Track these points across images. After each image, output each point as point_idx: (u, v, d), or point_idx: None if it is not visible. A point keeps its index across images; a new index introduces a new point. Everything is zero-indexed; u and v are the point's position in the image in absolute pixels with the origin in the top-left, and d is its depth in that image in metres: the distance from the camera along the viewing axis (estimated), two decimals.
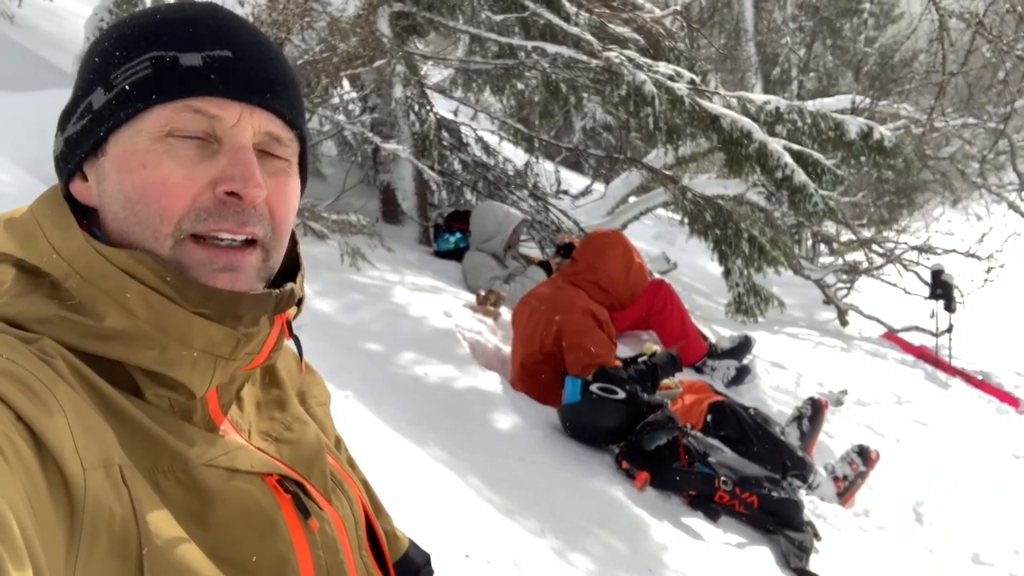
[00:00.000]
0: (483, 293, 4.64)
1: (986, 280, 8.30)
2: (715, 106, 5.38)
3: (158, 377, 0.76)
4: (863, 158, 5.86)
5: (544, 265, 5.26)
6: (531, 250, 6.20)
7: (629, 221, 7.56)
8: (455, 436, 3.06)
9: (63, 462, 0.63)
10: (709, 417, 3.95)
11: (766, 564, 3.18)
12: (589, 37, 5.41)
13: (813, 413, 4.34)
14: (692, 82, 5.50)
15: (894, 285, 8.80)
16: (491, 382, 3.64)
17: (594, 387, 3.53)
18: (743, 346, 5.31)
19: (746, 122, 5.29)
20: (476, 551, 2.23)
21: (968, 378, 6.89)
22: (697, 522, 3.25)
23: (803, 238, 10.64)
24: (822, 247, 11.15)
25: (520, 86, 7.33)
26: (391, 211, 5.97)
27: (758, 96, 6.07)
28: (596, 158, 9.83)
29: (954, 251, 8.60)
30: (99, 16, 5.67)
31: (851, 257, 9.60)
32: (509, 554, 2.37)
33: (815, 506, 3.74)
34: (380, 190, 6.06)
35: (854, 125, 5.74)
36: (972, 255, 8.59)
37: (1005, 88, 8.33)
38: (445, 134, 6.44)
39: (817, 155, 5.61)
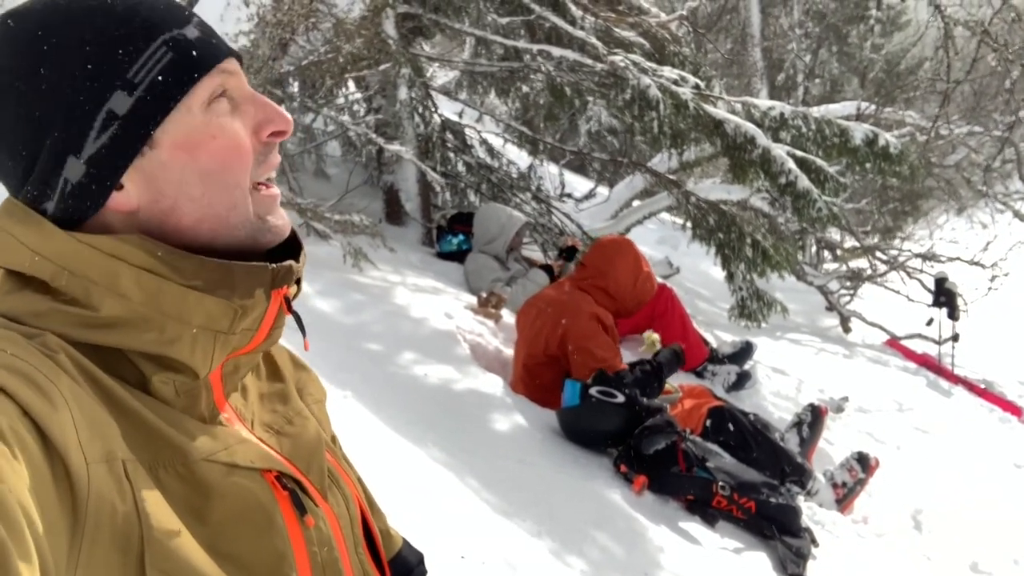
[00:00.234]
0: (484, 295, 4.64)
1: (990, 289, 8.28)
2: (719, 111, 5.38)
3: (161, 360, 0.76)
4: (868, 164, 5.86)
5: (546, 268, 5.26)
6: (533, 253, 6.20)
7: (632, 225, 7.57)
8: (454, 437, 3.06)
9: (67, 456, 0.63)
10: (708, 422, 3.95)
11: (763, 570, 3.17)
12: (594, 41, 5.42)
13: (813, 419, 4.34)
14: (697, 87, 5.50)
15: (897, 292, 8.79)
16: (491, 384, 3.65)
17: (593, 390, 3.53)
18: (744, 351, 5.31)
19: (750, 127, 5.29)
20: (472, 552, 2.24)
21: (970, 386, 6.88)
22: (694, 527, 3.25)
23: (807, 244, 10.64)
24: (826, 253, 11.14)
25: (525, 89, 7.34)
26: (394, 212, 5.98)
27: (763, 102, 6.06)
28: (600, 161, 9.83)
29: (958, 259, 8.59)
30: None
31: (855, 264, 9.59)
32: (505, 556, 2.37)
33: (813, 512, 3.73)
34: (384, 191, 6.07)
35: (859, 131, 5.73)
36: (976, 263, 8.58)
37: (1011, 96, 8.33)
38: (449, 136, 6.45)
39: (821, 162, 5.61)
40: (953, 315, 7.29)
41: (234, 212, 0.80)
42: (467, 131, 6.80)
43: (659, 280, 5.41)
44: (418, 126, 5.79)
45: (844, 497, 3.96)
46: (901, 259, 8.99)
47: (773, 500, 3.40)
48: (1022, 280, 8.94)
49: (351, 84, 6.10)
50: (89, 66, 0.74)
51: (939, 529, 4.05)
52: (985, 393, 6.77)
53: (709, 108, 5.33)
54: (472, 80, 8.34)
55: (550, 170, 8.29)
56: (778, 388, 5.44)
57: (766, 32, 12.85)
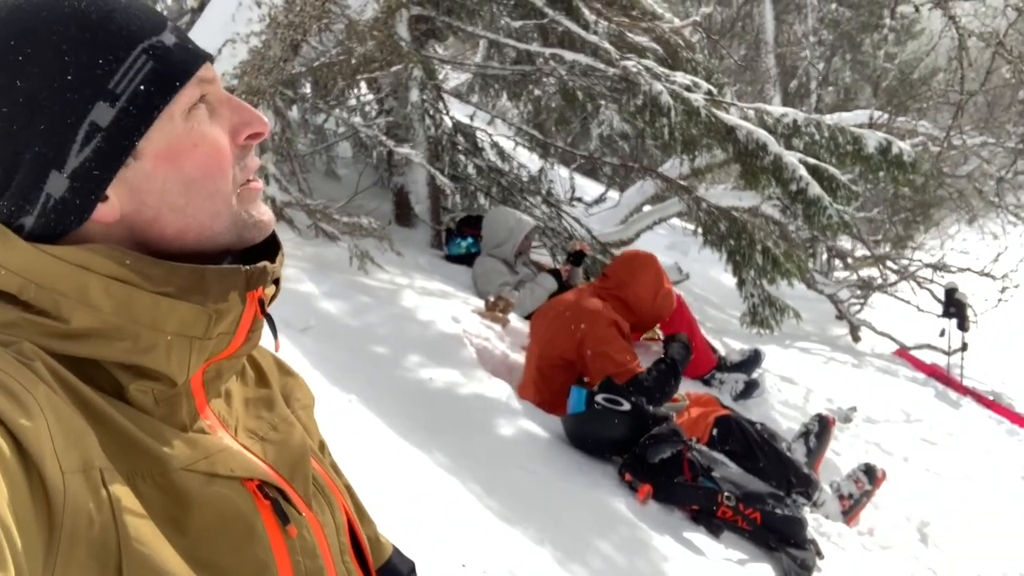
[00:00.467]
0: (492, 299, 4.63)
1: (1000, 300, 8.25)
2: (732, 117, 5.36)
3: (137, 369, 0.75)
4: (881, 173, 5.83)
5: (554, 273, 5.25)
6: (542, 257, 6.19)
7: (643, 230, 7.54)
8: (458, 442, 3.05)
9: (42, 466, 0.62)
10: (715, 431, 3.93)
11: None
12: (607, 46, 5.41)
13: (820, 430, 4.31)
14: (709, 93, 5.49)
15: (907, 302, 8.76)
16: (497, 389, 3.64)
17: (599, 398, 3.52)
18: (752, 360, 5.29)
19: (762, 134, 5.27)
20: (473, 560, 2.23)
21: (979, 398, 6.85)
22: (699, 537, 3.23)
23: (817, 252, 10.61)
24: (836, 262, 11.11)
25: (537, 92, 7.33)
26: (404, 214, 5.98)
27: (776, 108, 6.04)
28: (611, 166, 9.81)
29: (969, 270, 8.56)
30: None
31: (865, 273, 9.56)
32: (507, 563, 2.36)
33: (819, 524, 3.71)
34: (394, 192, 6.07)
35: (873, 139, 5.71)
36: (987, 274, 8.54)
37: None
38: (460, 138, 6.44)
39: (833, 169, 5.58)
40: (963, 326, 7.26)
41: (217, 220, 0.80)
42: (478, 134, 6.79)
43: None
44: (429, 128, 5.79)
45: (850, 509, 3.93)
46: (912, 269, 8.97)
47: (779, 511, 3.38)
48: None
49: (363, 86, 6.10)
50: (69, 77, 0.72)
51: (945, 542, 4.02)
52: (994, 405, 6.74)
53: (721, 114, 5.31)
54: (484, 83, 8.33)
55: (560, 174, 8.28)
56: (786, 397, 5.42)
57: (780, 39, 12.83)
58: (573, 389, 3.62)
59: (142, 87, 0.74)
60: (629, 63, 5.24)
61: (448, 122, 6.18)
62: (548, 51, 5.67)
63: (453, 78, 8.95)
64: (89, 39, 0.73)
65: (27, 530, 0.60)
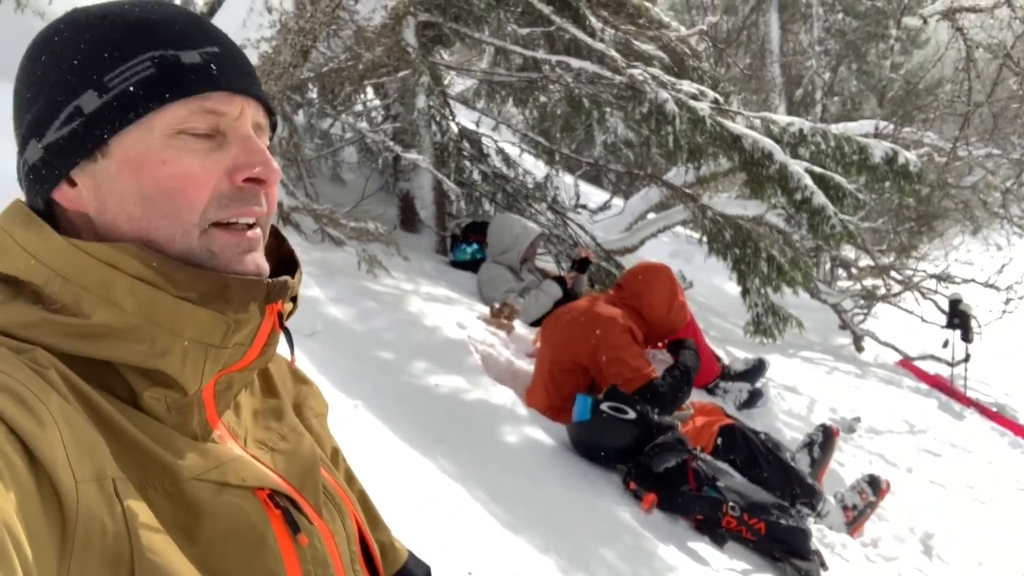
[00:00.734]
0: (497, 305, 4.63)
1: (1004, 311, 8.24)
2: (737, 126, 5.37)
3: (151, 375, 0.76)
4: (887, 183, 5.84)
5: (559, 280, 5.25)
6: (547, 264, 6.19)
7: (647, 238, 7.55)
8: (463, 449, 3.05)
9: (55, 475, 0.62)
10: (719, 440, 3.93)
11: None
12: (614, 53, 5.42)
13: (824, 440, 4.31)
14: (715, 101, 5.50)
15: (911, 313, 8.75)
16: (502, 396, 3.64)
17: (604, 405, 3.52)
18: (756, 369, 5.28)
19: (767, 143, 5.28)
20: (479, 567, 2.23)
21: (983, 409, 6.84)
22: (703, 547, 3.23)
23: (821, 262, 10.60)
24: (840, 272, 11.11)
25: (543, 99, 7.35)
26: (409, 219, 5.98)
27: (782, 117, 6.05)
28: (616, 173, 9.83)
29: (973, 281, 8.56)
30: None
31: (869, 283, 9.56)
32: (512, 571, 2.36)
33: (823, 535, 3.71)
34: (399, 198, 6.07)
35: (879, 149, 5.72)
36: (991, 285, 8.54)
37: None
38: (466, 144, 6.46)
39: (839, 178, 5.59)
40: (967, 337, 7.27)
41: (173, 244, 0.77)
42: (484, 140, 6.80)
43: None
44: (435, 134, 5.80)
45: (854, 520, 3.92)
46: (916, 279, 8.97)
47: (783, 522, 3.37)
48: None
49: (369, 91, 6.11)
50: (75, 62, 0.77)
51: (949, 554, 4.01)
52: (997, 416, 6.74)
53: (727, 123, 5.32)
54: (490, 89, 8.35)
55: (565, 180, 8.29)
56: (790, 407, 5.41)
57: (785, 48, 12.85)
58: (578, 397, 3.62)
59: (131, 88, 0.75)
60: (635, 71, 5.25)
61: (454, 128, 6.19)
62: (555, 58, 5.69)
63: (459, 84, 8.96)
64: (109, 36, 0.78)
65: (39, 539, 0.60)
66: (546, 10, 5.57)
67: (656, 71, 5.40)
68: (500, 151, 6.90)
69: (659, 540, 3.08)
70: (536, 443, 3.43)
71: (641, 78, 5.19)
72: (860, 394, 6.47)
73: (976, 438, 6.12)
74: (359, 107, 6.21)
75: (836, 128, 6.43)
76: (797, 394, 5.78)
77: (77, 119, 0.77)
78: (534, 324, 4.85)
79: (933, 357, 7.66)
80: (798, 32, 13.28)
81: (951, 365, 7.34)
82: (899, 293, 9.03)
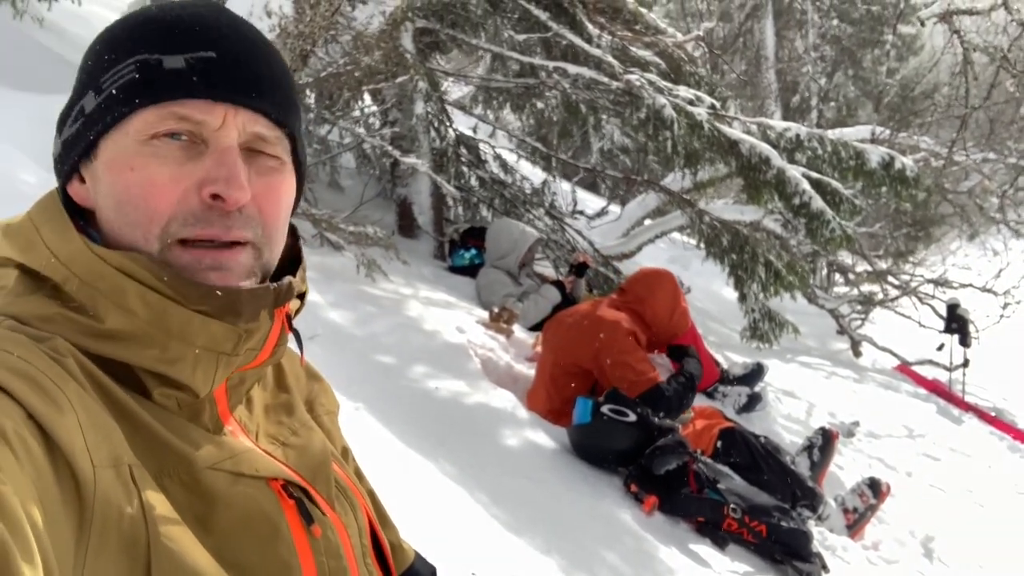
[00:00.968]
0: (496, 310, 4.64)
1: (1002, 316, 8.25)
2: (734, 131, 5.38)
3: (162, 377, 0.76)
4: (884, 188, 5.85)
5: (558, 284, 5.26)
6: (545, 269, 6.20)
7: (644, 243, 7.55)
8: (464, 452, 3.05)
9: (73, 460, 0.63)
10: (719, 443, 3.93)
11: None
12: (611, 59, 5.43)
13: (824, 443, 4.31)
14: (712, 107, 5.51)
15: (909, 318, 8.76)
16: (502, 399, 3.63)
17: (605, 408, 3.52)
18: (755, 373, 5.29)
19: (765, 148, 5.29)
20: (482, 568, 2.22)
21: (981, 414, 6.84)
22: (704, 549, 3.23)
23: (818, 267, 10.62)
24: (837, 277, 11.12)
25: (540, 105, 7.36)
26: (407, 225, 5.98)
27: (779, 123, 6.07)
28: (613, 179, 9.84)
29: (970, 285, 8.58)
30: None
31: (866, 288, 9.57)
32: (514, 572, 2.35)
33: (824, 538, 3.70)
34: (397, 204, 6.08)
35: (875, 154, 5.73)
36: (988, 290, 8.56)
37: None
38: (464, 150, 6.46)
39: (836, 184, 5.60)
40: (965, 342, 7.27)
41: (146, 246, 0.76)
42: (481, 146, 6.81)
43: None
44: (433, 140, 5.81)
45: (855, 523, 3.92)
46: (913, 284, 8.98)
47: (784, 524, 3.37)
48: None
49: (367, 97, 6.11)
50: (90, 62, 0.80)
51: (950, 557, 4.01)
52: (996, 421, 6.74)
53: (724, 128, 5.33)
54: (487, 95, 8.36)
55: (563, 187, 8.30)
56: (789, 411, 5.42)
57: (780, 55, 12.89)
58: (579, 400, 3.62)
59: (114, 91, 0.76)
60: (632, 77, 5.26)
61: (452, 134, 6.20)
62: (552, 64, 5.70)
63: (456, 90, 8.98)
64: (116, 37, 0.79)
65: (56, 524, 0.60)
66: (543, 16, 5.59)
67: (653, 77, 5.41)
68: (497, 157, 6.90)
69: (660, 542, 3.08)
70: (537, 446, 3.43)
71: (638, 84, 5.20)
72: (859, 399, 6.47)
73: (975, 442, 6.12)
74: (357, 113, 6.21)
75: (832, 133, 6.45)
76: (796, 399, 5.78)
77: (80, 119, 0.78)
78: (533, 328, 4.85)
79: (931, 362, 7.67)
80: (793, 38, 13.32)
81: (949, 370, 7.35)
82: (897, 298, 9.05)
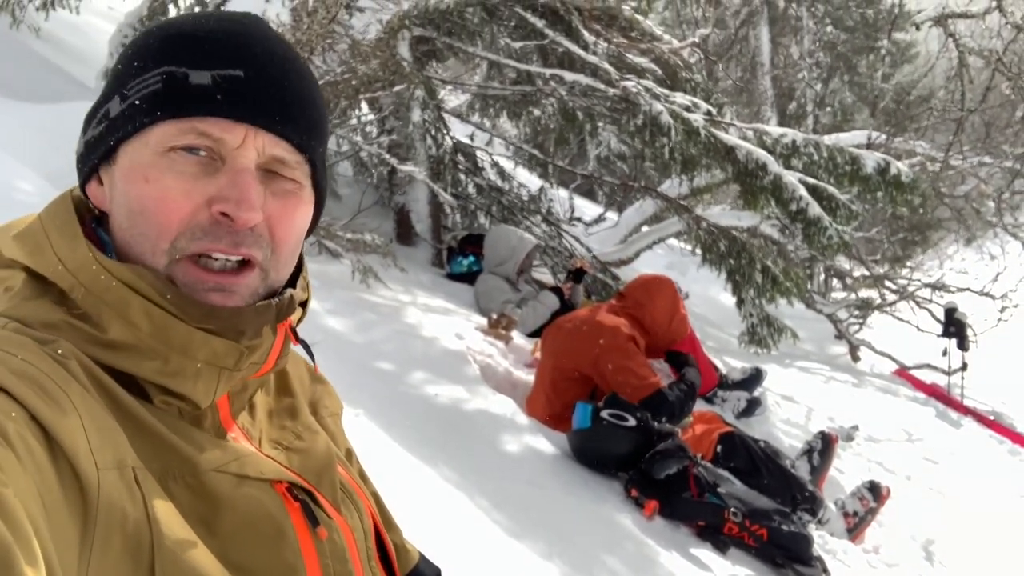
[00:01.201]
0: (495, 316, 4.64)
1: (999, 319, 8.26)
2: (731, 137, 5.40)
3: (163, 387, 0.76)
4: (880, 193, 5.87)
5: (556, 290, 5.26)
6: (543, 275, 6.20)
7: (642, 250, 7.57)
8: (464, 458, 3.05)
9: (77, 462, 0.63)
10: (719, 448, 3.93)
11: None
12: (607, 66, 5.45)
13: (823, 447, 4.31)
14: (708, 113, 5.52)
15: (907, 322, 8.77)
16: (501, 405, 3.63)
17: (604, 413, 3.51)
18: (754, 378, 5.29)
19: (761, 154, 5.30)
20: (483, 573, 2.22)
21: (980, 417, 6.84)
22: (705, 553, 3.22)
23: (815, 272, 10.63)
24: (835, 282, 11.13)
25: (536, 113, 7.37)
26: (405, 233, 5.99)
27: (774, 129, 6.08)
28: (610, 186, 9.87)
29: (968, 289, 8.59)
30: (123, 33, 5.75)
31: (864, 293, 9.58)
32: None
33: (824, 541, 3.70)
34: (395, 211, 6.09)
35: (871, 160, 5.75)
36: (986, 294, 8.57)
37: (1022, 127, 8.33)
38: (461, 158, 6.47)
39: (832, 189, 5.62)
40: (963, 346, 7.27)
41: (153, 259, 0.76)
42: (478, 153, 6.82)
43: None
44: (430, 148, 5.82)
45: (855, 526, 3.92)
46: (911, 289, 8.99)
47: (785, 528, 3.37)
48: None
49: (364, 105, 6.12)
50: (120, 66, 0.80)
51: (950, 560, 4.01)
52: (995, 424, 6.74)
53: (721, 134, 5.35)
54: (484, 103, 8.38)
55: (560, 194, 8.32)
56: (788, 416, 5.41)
57: (776, 61, 12.93)
58: (578, 405, 3.62)
59: (137, 101, 0.76)
60: (629, 83, 5.28)
61: (449, 142, 6.21)
62: (548, 71, 5.72)
63: (453, 98, 8.99)
64: (146, 45, 0.79)
65: (59, 526, 0.60)
66: (539, 24, 5.60)
67: (649, 83, 5.43)
68: (495, 164, 6.92)
69: (661, 547, 3.07)
70: (537, 451, 3.43)
71: (635, 90, 5.21)
72: (857, 403, 6.47)
73: (974, 446, 6.12)
74: (354, 121, 6.22)
75: (828, 139, 6.47)
76: (794, 403, 5.78)
77: (104, 122, 0.79)
78: (532, 335, 4.85)
79: (929, 366, 7.67)
80: (789, 45, 13.36)
81: (948, 374, 7.35)
82: (894, 303, 9.05)
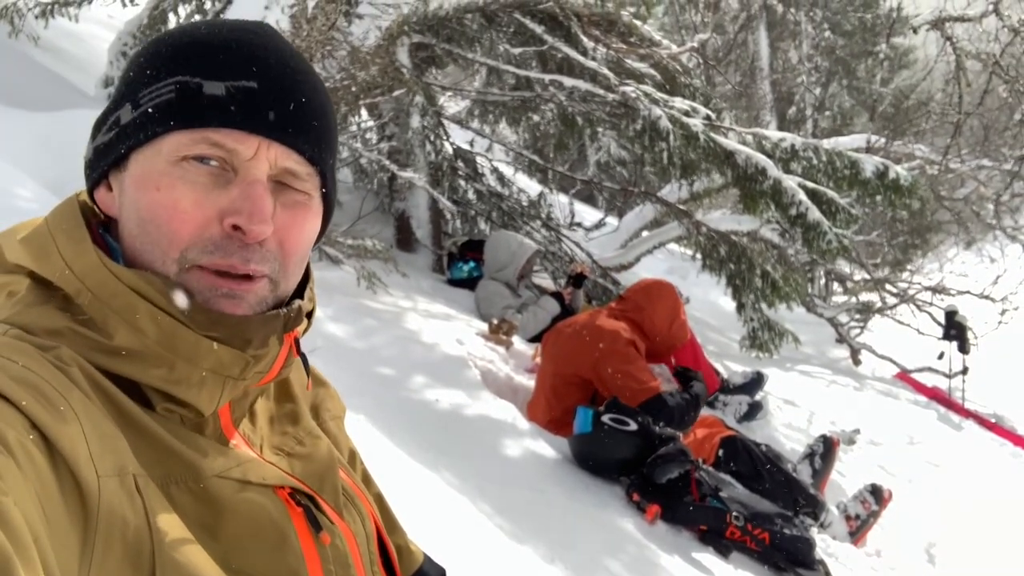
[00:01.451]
0: (496, 322, 4.64)
1: (1000, 322, 8.26)
2: (730, 142, 5.40)
3: (167, 394, 0.76)
4: (879, 197, 5.86)
5: (557, 295, 5.26)
6: (544, 280, 6.20)
7: (642, 255, 7.57)
8: (466, 463, 3.04)
9: (77, 469, 0.63)
10: (721, 452, 3.93)
11: None
12: (606, 71, 5.46)
13: (825, 451, 4.31)
14: (708, 118, 5.53)
15: (907, 325, 8.77)
16: (503, 410, 3.63)
17: (606, 417, 3.51)
18: (755, 382, 5.29)
19: (761, 158, 5.30)
20: None
21: (981, 420, 6.84)
22: (708, 557, 3.22)
23: (816, 276, 10.63)
24: (835, 286, 11.13)
25: (536, 118, 7.38)
26: (405, 239, 6.00)
27: (774, 133, 6.09)
28: (610, 191, 9.87)
29: (968, 292, 8.58)
30: (123, 41, 5.76)
31: (865, 296, 9.58)
32: None
33: (827, 545, 3.70)
34: (395, 218, 6.09)
35: (870, 163, 5.75)
36: (986, 297, 8.56)
37: (1021, 130, 8.34)
38: (461, 164, 6.48)
39: (832, 193, 5.61)
40: (963, 349, 7.27)
41: (163, 267, 0.76)
42: (478, 159, 6.82)
43: None
44: (430, 154, 5.82)
45: (857, 530, 3.92)
46: (911, 292, 8.98)
47: (787, 531, 3.36)
48: None
49: (364, 111, 6.13)
50: (131, 73, 0.80)
51: (952, 563, 4.01)
52: (995, 427, 6.73)
53: (720, 139, 5.35)
54: (484, 109, 8.39)
55: (560, 199, 8.32)
56: (789, 419, 5.41)
57: (775, 65, 12.95)
58: (579, 409, 3.62)
59: (150, 109, 0.76)
60: (628, 88, 5.28)
61: (449, 148, 6.21)
62: (547, 77, 5.72)
63: (453, 105, 9.01)
64: (159, 53, 0.79)
65: (60, 533, 0.60)
66: (538, 30, 5.61)
67: (648, 88, 5.43)
68: (494, 170, 6.92)
69: (663, 551, 3.07)
70: (538, 456, 3.43)
71: (634, 95, 5.22)
72: (859, 407, 6.47)
73: (976, 449, 6.12)
74: (353, 128, 6.23)
75: (827, 143, 6.47)
76: (796, 407, 5.78)
77: (115, 129, 0.79)
78: (533, 340, 4.85)
79: (930, 369, 7.67)
80: (787, 49, 13.39)
81: (949, 377, 7.35)
82: (895, 306, 9.05)
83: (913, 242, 12.06)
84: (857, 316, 9.14)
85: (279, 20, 3.58)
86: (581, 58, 5.57)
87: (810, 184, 5.52)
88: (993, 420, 6.84)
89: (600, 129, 6.36)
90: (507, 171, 7.40)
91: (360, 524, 0.92)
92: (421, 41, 5.67)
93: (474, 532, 2.50)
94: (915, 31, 6.31)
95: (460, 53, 5.96)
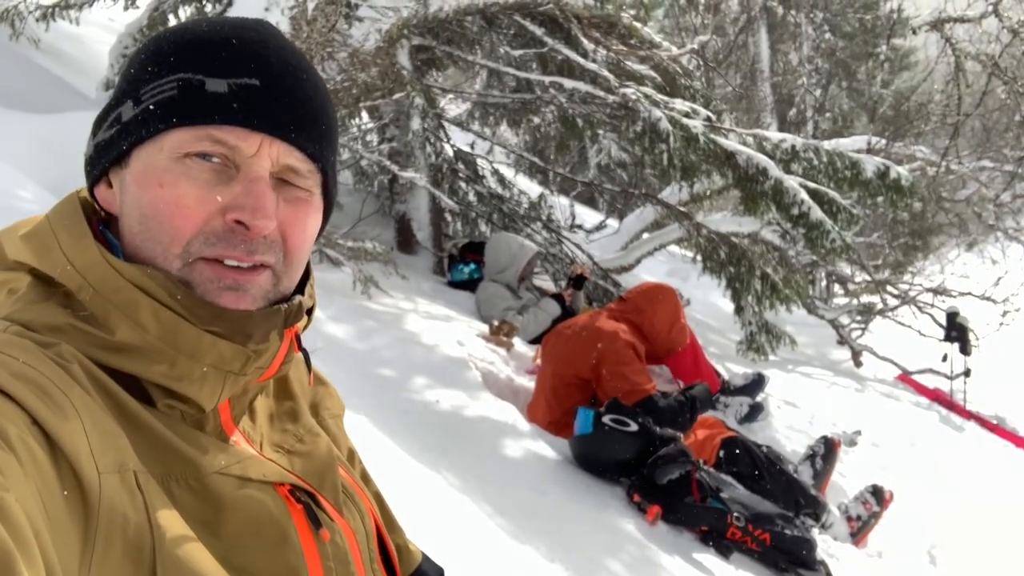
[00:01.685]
0: (496, 323, 4.64)
1: (1001, 324, 8.25)
2: (731, 143, 5.40)
3: (168, 390, 0.77)
4: (880, 197, 5.85)
5: (557, 297, 5.26)
6: (544, 282, 6.20)
7: (643, 257, 7.56)
8: (467, 464, 3.04)
9: (78, 466, 0.63)
10: (722, 452, 3.93)
11: None
12: (606, 73, 5.46)
13: (826, 452, 4.30)
14: (708, 119, 5.53)
15: (909, 327, 8.76)
16: (503, 411, 3.63)
17: (606, 418, 3.51)
18: (756, 384, 5.28)
19: (762, 159, 5.30)
20: None
21: (983, 422, 6.83)
22: (708, 558, 3.22)
23: (817, 278, 10.63)
24: (836, 287, 11.12)
25: (536, 120, 7.39)
26: (406, 241, 6.00)
27: (774, 134, 6.08)
28: (610, 193, 9.87)
29: (969, 294, 8.58)
30: (123, 44, 5.77)
31: (866, 298, 9.57)
32: None
33: (828, 546, 3.69)
34: (395, 220, 6.09)
35: (871, 164, 5.74)
36: (987, 298, 8.56)
37: (1022, 131, 8.34)
38: (461, 166, 6.48)
39: (833, 193, 5.61)
40: (965, 350, 7.26)
41: (165, 263, 0.76)
42: (478, 161, 6.82)
43: None
44: (430, 156, 5.82)
45: (858, 530, 3.91)
46: (912, 293, 8.98)
47: (788, 532, 3.36)
48: None
49: (364, 114, 6.14)
50: (132, 70, 0.80)
51: (953, 564, 4.00)
52: (997, 429, 6.72)
53: (720, 140, 5.35)
54: (484, 111, 8.40)
55: (560, 201, 8.33)
56: (790, 421, 5.40)
57: (775, 67, 12.95)
58: (580, 410, 3.62)
59: (152, 106, 0.76)
60: (628, 90, 5.28)
61: (449, 150, 6.22)
62: (548, 79, 5.72)
63: (453, 107, 9.01)
64: (160, 50, 0.79)
65: (61, 530, 0.60)
66: (538, 32, 5.62)
67: (649, 90, 5.43)
68: (495, 172, 6.92)
69: (664, 552, 3.07)
70: (539, 457, 3.43)
71: (634, 97, 5.22)
72: (860, 408, 6.46)
73: (977, 450, 6.10)
74: (354, 130, 6.23)
75: (828, 144, 6.46)
76: (797, 408, 5.76)
77: (116, 126, 0.79)
78: (533, 341, 4.85)
79: (932, 371, 7.65)
80: (788, 51, 13.39)
81: (950, 378, 7.33)
82: (896, 307, 9.05)
83: (914, 244, 12.04)
84: (858, 318, 9.13)
85: (279, 22, 3.58)
86: (581, 60, 5.57)
87: (811, 184, 5.52)
88: (995, 422, 6.83)
89: (600, 131, 6.36)
90: (508, 173, 7.41)
91: (360, 522, 0.92)
92: (421, 43, 5.67)
93: (475, 533, 2.50)
94: (915, 32, 6.31)
95: (460, 55, 5.97)
